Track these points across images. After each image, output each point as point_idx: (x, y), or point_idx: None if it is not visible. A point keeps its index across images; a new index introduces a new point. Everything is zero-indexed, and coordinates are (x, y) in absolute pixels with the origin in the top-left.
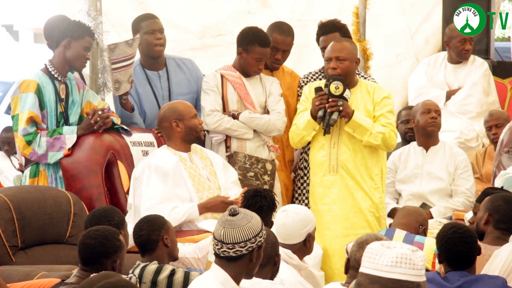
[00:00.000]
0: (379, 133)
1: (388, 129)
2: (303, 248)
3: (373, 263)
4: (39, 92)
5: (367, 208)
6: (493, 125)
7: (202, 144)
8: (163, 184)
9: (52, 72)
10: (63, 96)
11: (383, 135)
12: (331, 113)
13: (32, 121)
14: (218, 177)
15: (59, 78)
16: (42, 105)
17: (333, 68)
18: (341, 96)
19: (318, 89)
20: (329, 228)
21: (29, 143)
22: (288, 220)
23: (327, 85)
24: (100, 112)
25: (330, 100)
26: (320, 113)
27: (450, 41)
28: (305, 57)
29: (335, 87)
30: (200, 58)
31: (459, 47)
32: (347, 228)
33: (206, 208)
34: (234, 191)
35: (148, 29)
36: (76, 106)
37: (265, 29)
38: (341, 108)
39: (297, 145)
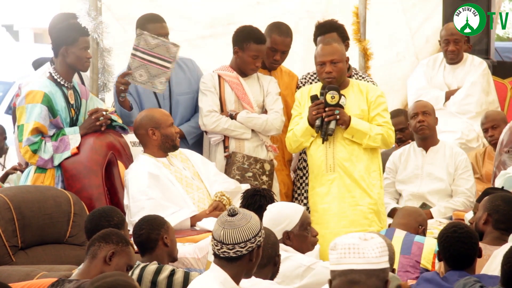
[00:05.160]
0: (378, 135)
1: (385, 128)
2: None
3: (364, 257)
4: (48, 102)
5: (366, 205)
6: (489, 127)
7: (200, 144)
8: (154, 187)
9: (58, 80)
10: (72, 102)
11: (382, 136)
12: (328, 122)
13: (37, 131)
14: (202, 178)
15: (66, 85)
16: (54, 113)
17: (329, 72)
18: (337, 105)
19: (314, 98)
20: (328, 227)
21: (35, 152)
22: None
23: (322, 94)
24: (104, 113)
25: (326, 109)
26: (318, 122)
27: (440, 42)
28: (314, 48)
29: (331, 97)
30: (211, 46)
31: (443, 48)
32: (345, 226)
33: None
34: (216, 186)
35: (154, 33)
36: (80, 115)
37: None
38: (338, 116)
39: (295, 151)
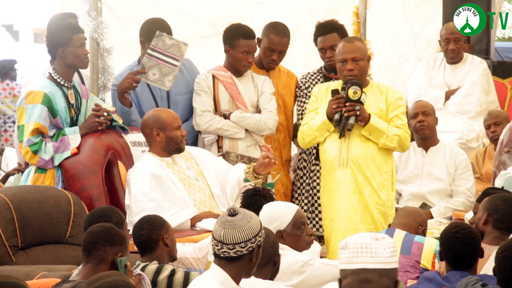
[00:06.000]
0: (395, 136)
1: (403, 130)
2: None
3: (376, 257)
4: (48, 102)
5: (374, 205)
6: (492, 123)
7: (195, 144)
8: (156, 188)
9: (58, 80)
10: (72, 102)
11: (399, 137)
12: (348, 117)
13: (38, 132)
14: (206, 177)
15: (66, 85)
16: (54, 114)
17: (350, 70)
18: (358, 101)
19: (335, 92)
20: (339, 223)
21: (35, 152)
22: None
23: (344, 89)
24: (105, 114)
25: (347, 104)
26: (337, 116)
27: (440, 41)
28: (316, 47)
29: (353, 92)
30: (211, 45)
31: (443, 47)
32: (356, 222)
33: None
34: (233, 173)
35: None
36: (81, 115)
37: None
38: (358, 112)
39: (307, 145)
